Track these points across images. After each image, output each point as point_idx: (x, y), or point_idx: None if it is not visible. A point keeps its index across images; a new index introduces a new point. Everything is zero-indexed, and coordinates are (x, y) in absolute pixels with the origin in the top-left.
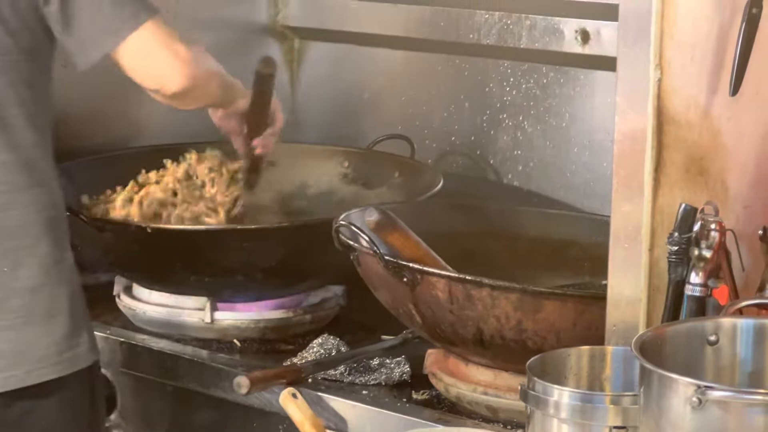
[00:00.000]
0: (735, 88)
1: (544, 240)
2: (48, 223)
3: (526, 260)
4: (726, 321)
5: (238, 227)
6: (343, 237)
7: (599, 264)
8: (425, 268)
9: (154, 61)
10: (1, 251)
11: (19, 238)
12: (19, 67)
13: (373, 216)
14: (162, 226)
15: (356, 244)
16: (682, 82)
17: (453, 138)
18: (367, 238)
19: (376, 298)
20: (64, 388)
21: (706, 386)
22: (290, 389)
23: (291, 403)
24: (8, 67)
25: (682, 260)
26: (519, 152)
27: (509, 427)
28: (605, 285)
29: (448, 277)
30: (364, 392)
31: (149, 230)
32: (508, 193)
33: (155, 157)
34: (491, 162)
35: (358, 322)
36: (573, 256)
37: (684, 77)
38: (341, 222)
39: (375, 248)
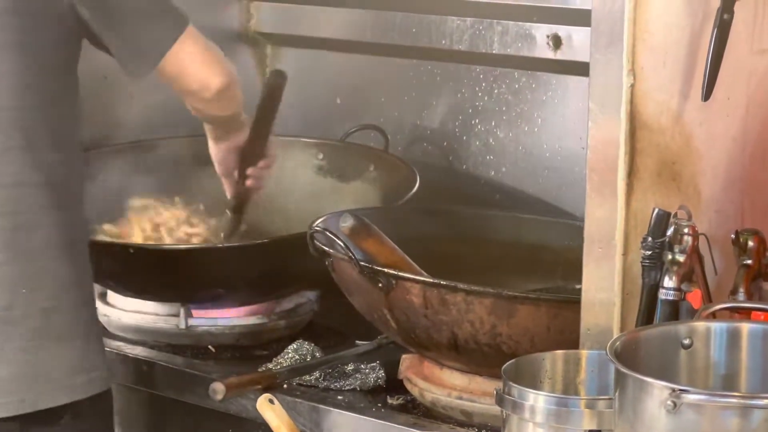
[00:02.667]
0: (707, 94)
1: (516, 244)
2: (70, 246)
3: (498, 265)
4: (700, 324)
5: (217, 246)
6: (317, 243)
7: (571, 268)
8: (400, 273)
9: (198, 63)
10: (22, 272)
11: (41, 260)
12: (46, 85)
13: (347, 222)
14: (143, 245)
15: (331, 250)
16: (654, 87)
17: (425, 144)
18: (342, 244)
19: (349, 303)
20: (78, 414)
21: (680, 389)
22: (267, 395)
23: (268, 408)
24: (35, 83)
25: (655, 264)
26: (491, 157)
27: (484, 431)
28: (578, 289)
29: (423, 282)
30: (339, 398)
31: (132, 251)
32: (483, 189)
33: (135, 152)
34: (464, 168)
35: (331, 327)
36: (545, 261)
37: (656, 82)
38: (316, 228)
39: (350, 254)
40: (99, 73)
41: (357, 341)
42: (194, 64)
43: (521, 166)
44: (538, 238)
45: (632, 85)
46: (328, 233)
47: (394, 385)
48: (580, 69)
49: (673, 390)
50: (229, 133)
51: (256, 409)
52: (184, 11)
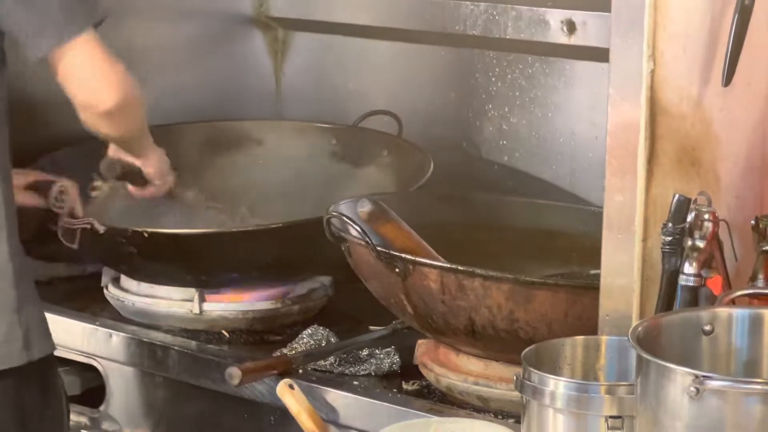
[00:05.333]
0: (728, 79)
1: (533, 230)
2: None
3: (515, 250)
4: (721, 311)
5: (232, 230)
6: (334, 228)
7: (587, 254)
8: (417, 259)
9: (93, 71)
10: None
11: None
12: None
13: (365, 207)
14: (157, 230)
15: (347, 235)
16: (674, 73)
17: (438, 129)
18: (358, 229)
19: (363, 288)
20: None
21: (704, 376)
22: (287, 380)
23: (288, 394)
24: None
25: (675, 251)
26: (504, 143)
27: (500, 416)
28: (594, 275)
29: (440, 267)
30: (354, 383)
31: (146, 234)
32: (496, 174)
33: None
34: (477, 153)
35: (345, 312)
36: (561, 246)
37: (676, 69)
38: (332, 213)
39: (367, 239)
40: None
41: (371, 326)
42: (86, 72)
43: (535, 151)
44: (554, 223)
45: (652, 71)
46: (344, 218)
47: (408, 370)
48: (595, 54)
49: (696, 376)
50: (128, 152)
51: (271, 394)
52: (100, 10)
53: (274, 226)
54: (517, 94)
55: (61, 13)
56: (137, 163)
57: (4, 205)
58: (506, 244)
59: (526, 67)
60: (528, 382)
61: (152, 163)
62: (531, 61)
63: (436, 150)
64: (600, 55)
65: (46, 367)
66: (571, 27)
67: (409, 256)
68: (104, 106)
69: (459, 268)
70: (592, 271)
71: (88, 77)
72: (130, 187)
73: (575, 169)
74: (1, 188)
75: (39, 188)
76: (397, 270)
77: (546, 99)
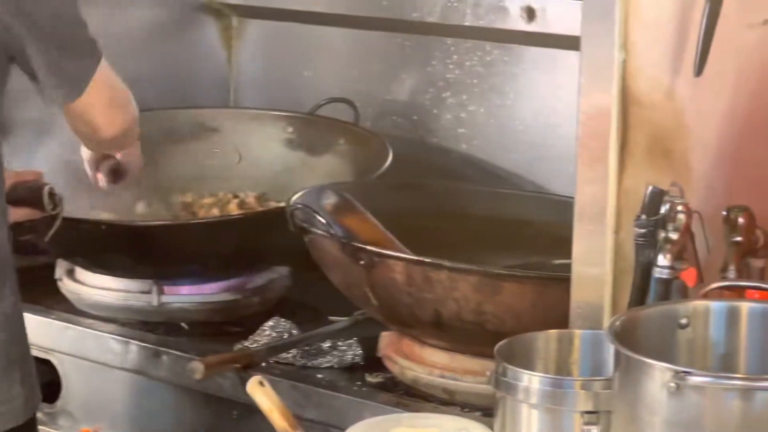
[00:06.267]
0: (699, 69)
1: (494, 219)
2: None
3: (476, 240)
4: (699, 304)
5: (190, 221)
6: (297, 219)
7: (549, 243)
8: (383, 251)
9: (99, 112)
10: None
11: None
12: None
13: (330, 199)
14: (115, 222)
15: (311, 227)
16: (646, 62)
17: (395, 117)
18: (323, 221)
19: (320, 278)
20: None
21: (683, 371)
22: (257, 377)
23: (259, 391)
24: None
25: (649, 243)
26: (462, 130)
27: (467, 409)
28: (558, 264)
29: (407, 259)
30: (318, 376)
31: (104, 227)
32: (454, 163)
33: None
34: (435, 141)
35: (304, 303)
36: (523, 236)
37: (648, 58)
38: (296, 204)
39: (332, 230)
40: None
41: (330, 317)
42: (93, 113)
43: (493, 139)
44: (516, 212)
45: (624, 61)
46: (309, 210)
47: (371, 362)
48: (555, 41)
49: (677, 372)
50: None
51: (233, 388)
52: (98, 41)
53: (233, 217)
54: (476, 81)
55: (75, 65)
56: (118, 156)
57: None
58: (467, 233)
59: (484, 55)
60: (502, 378)
61: (132, 155)
62: (489, 49)
63: (392, 138)
64: (560, 42)
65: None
66: (530, 14)
67: (374, 248)
68: (110, 135)
69: (426, 260)
70: (556, 261)
71: (100, 110)
72: (102, 179)
73: (535, 158)
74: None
75: (24, 198)
76: (362, 262)
77: (505, 86)
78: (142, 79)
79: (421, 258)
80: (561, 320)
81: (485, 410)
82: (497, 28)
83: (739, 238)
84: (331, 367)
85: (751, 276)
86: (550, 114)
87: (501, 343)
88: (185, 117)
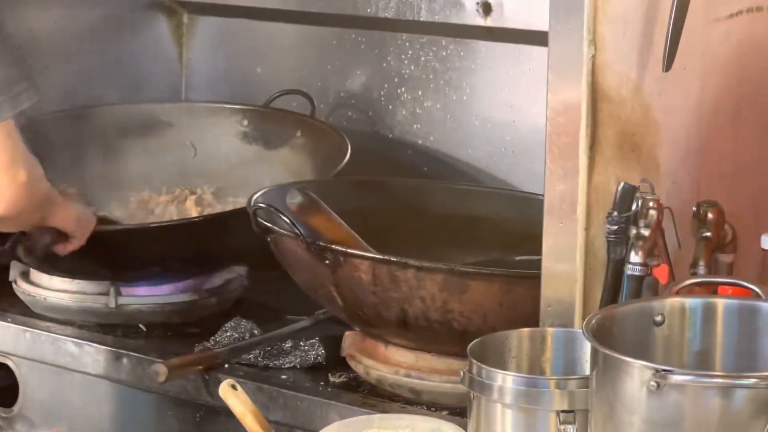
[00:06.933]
0: (668, 64)
1: (454, 216)
2: None
3: (436, 237)
4: (675, 301)
5: (150, 225)
6: (260, 219)
7: (510, 240)
8: (348, 250)
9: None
10: None
11: None
12: None
13: (295, 198)
14: None
15: (274, 227)
16: (615, 57)
17: (350, 113)
18: (288, 221)
19: (278, 277)
20: None
21: (664, 370)
22: (229, 381)
23: (231, 395)
24: None
25: (621, 240)
26: (418, 126)
27: (433, 409)
28: (520, 261)
29: (372, 258)
30: (282, 377)
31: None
32: (410, 158)
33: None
34: (390, 137)
35: (262, 303)
36: (483, 232)
37: (617, 53)
38: (260, 204)
39: (296, 230)
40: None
41: (288, 316)
42: None
43: (450, 135)
44: (476, 209)
45: (593, 56)
46: (272, 210)
47: (333, 362)
48: (511, 36)
49: (657, 371)
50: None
51: (196, 390)
52: (32, 91)
53: (193, 220)
54: (431, 77)
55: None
56: (51, 224)
57: None
58: (427, 230)
59: (440, 50)
60: (475, 377)
61: (64, 219)
62: (445, 44)
63: (348, 134)
64: (516, 36)
65: None
66: (486, 8)
67: (339, 248)
68: None
69: (392, 259)
70: (518, 258)
71: None
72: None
73: (492, 153)
74: None
75: None
76: (327, 262)
77: (461, 81)
78: (95, 75)
79: (387, 257)
80: (527, 318)
81: (452, 409)
82: (453, 23)
83: (708, 234)
84: (293, 368)
85: (720, 271)
86: (507, 109)
87: (473, 342)
88: (138, 112)
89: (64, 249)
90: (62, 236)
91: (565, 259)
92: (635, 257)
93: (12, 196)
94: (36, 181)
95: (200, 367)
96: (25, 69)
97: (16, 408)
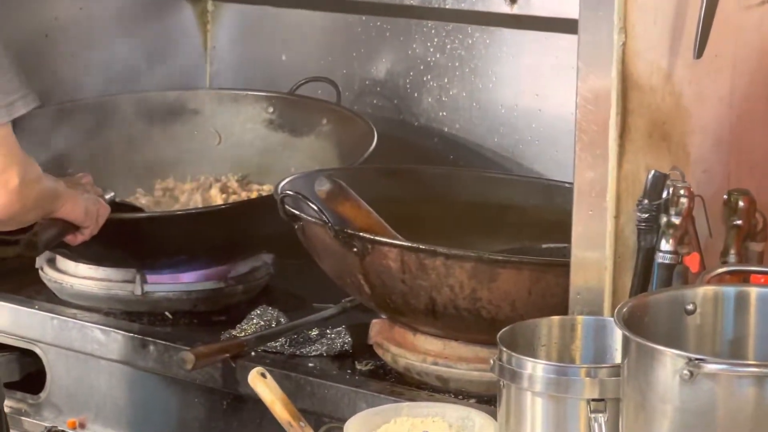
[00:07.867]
0: (700, 51)
1: (481, 204)
2: None
3: (463, 225)
4: (708, 289)
5: (176, 213)
6: (288, 207)
7: (537, 227)
8: (377, 238)
9: None
10: None
11: None
12: None
13: (324, 185)
14: None
15: (302, 214)
16: (645, 45)
17: (375, 100)
18: (316, 208)
19: (303, 265)
20: None
21: (698, 359)
22: (259, 369)
23: (261, 383)
24: None
25: (651, 227)
26: (444, 114)
27: (460, 397)
28: (547, 249)
29: (401, 246)
30: (309, 365)
31: None
32: (436, 146)
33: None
34: (416, 125)
35: (288, 291)
36: (510, 220)
37: (647, 41)
38: (287, 192)
39: (324, 218)
40: (40, 31)
41: (315, 304)
42: None
43: (476, 123)
44: (503, 196)
45: (624, 44)
46: (301, 197)
47: (360, 350)
48: (537, 24)
49: (690, 359)
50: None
51: (223, 378)
52: (31, 97)
53: (220, 207)
54: (457, 64)
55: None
56: (59, 216)
57: None
58: (454, 218)
59: (466, 37)
60: (505, 366)
61: (72, 210)
62: (471, 31)
63: (373, 119)
64: (542, 24)
65: None
66: None
67: (368, 235)
68: None
69: (420, 246)
70: (544, 245)
71: None
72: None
73: (518, 141)
74: None
75: None
76: (355, 249)
77: (487, 69)
78: (120, 65)
79: (416, 245)
80: (556, 306)
81: (479, 397)
82: (479, 11)
83: (739, 222)
84: (320, 355)
85: (750, 260)
86: (533, 97)
87: (503, 330)
88: (163, 99)
89: (75, 239)
90: (73, 227)
91: (594, 247)
92: (666, 245)
93: (3, 201)
94: (29, 184)
95: (227, 355)
96: (23, 78)
97: (43, 395)
